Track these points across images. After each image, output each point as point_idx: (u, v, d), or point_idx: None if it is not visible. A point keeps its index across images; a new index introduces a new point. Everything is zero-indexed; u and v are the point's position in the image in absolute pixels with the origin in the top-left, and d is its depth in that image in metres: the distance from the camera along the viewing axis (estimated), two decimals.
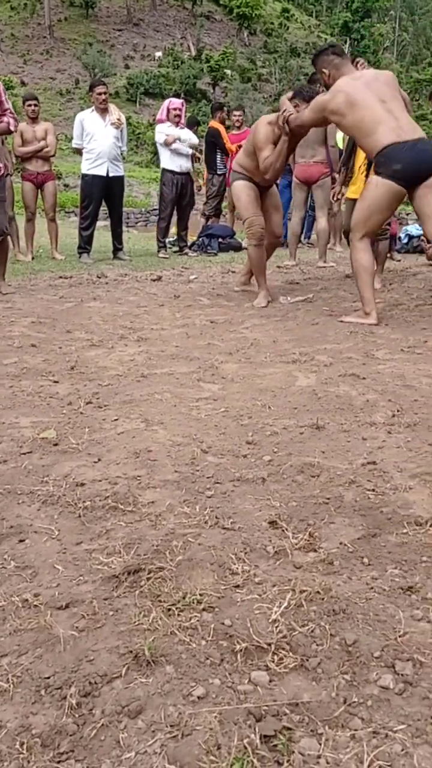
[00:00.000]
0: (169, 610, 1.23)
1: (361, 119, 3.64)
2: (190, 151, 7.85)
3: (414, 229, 8.52)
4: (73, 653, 1.13)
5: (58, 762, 0.93)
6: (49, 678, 1.08)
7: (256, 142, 4.36)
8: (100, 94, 7.01)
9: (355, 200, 5.69)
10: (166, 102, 7.90)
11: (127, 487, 1.73)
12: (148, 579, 1.33)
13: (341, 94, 3.69)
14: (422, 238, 7.93)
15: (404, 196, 3.72)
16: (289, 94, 4.47)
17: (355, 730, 0.96)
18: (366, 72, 4.00)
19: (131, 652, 1.12)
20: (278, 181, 5.95)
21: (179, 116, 7.80)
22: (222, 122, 8.91)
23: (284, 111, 4.20)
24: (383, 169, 3.62)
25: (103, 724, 0.99)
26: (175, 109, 7.76)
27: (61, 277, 5.90)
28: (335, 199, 6.40)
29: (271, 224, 4.79)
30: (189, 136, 7.86)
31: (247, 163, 4.54)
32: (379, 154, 3.62)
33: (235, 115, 9.15)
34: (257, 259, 4.65)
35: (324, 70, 3.89)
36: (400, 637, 1.14)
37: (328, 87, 3.89)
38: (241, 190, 4.60)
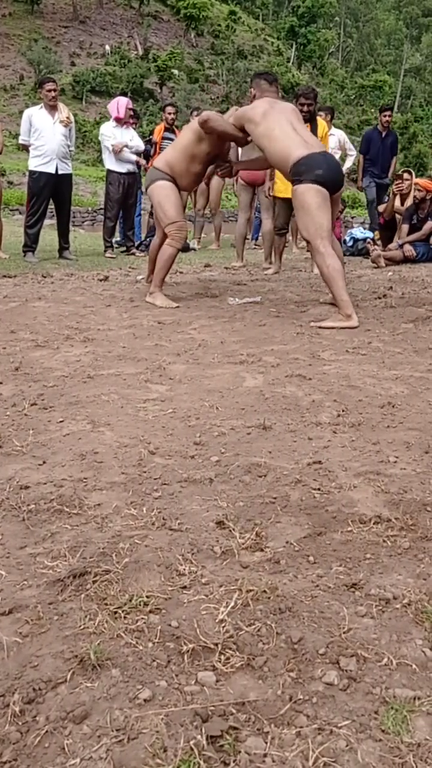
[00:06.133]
0: (116, 612, 1.22)
1: (272, 130, 3.94)
2: (134, 158, 7.83)
3: (359, 232, 8.68)
4: (17, 659, 1.11)
5: None
6: None
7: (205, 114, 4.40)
8: (49, 91, 6.92)
9: (284, 199, 5.85)
10: (124, 101, 7.84)
11: (72, 490, 1.71)
12: (94, 582, 1.31)
13: (260, 107, 4.05)
14: (367, 241, 8.09)
15: (329, 198, 3.87)
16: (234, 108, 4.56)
17: (301, 727, 0.96)
18: (278, 102, 4.26)
19: (76, 656, 1.10)
20: None
21: (132, 116, 7.81)
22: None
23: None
24: (306, 175, 3.80)
25: (47, 731, 0.97)
26: (130, 109, 7.74)
27: (4, 276, 5.79)
28: (268, 195, 6.46)
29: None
30: (137, 143, 7.82)
31: (177, 158, 4.46)
32: (297, 163, 3.82)
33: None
34: (170, 261, 4.57)
35: (252, 90, 4.33)
36: (344, 633, 1.15)
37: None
38: (168, 193, 4.51)
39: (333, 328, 3.66)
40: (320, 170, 3.80)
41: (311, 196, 3.80)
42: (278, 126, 3.95)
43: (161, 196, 4.51)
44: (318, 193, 3.80)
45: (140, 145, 7.93)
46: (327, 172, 3.83)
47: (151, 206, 9.40)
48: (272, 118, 3.98)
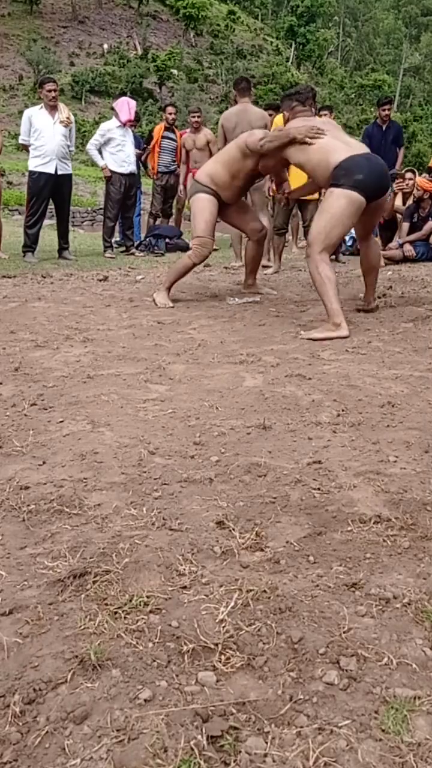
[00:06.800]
0: (116, 613, 1.22)
1: (322, 145, 3.74)
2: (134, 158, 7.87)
3: None
4: (17, 660, 1.11)
5: None
6: None
7: (251, 133, 4.26)
8: (50, 91, 6.92)
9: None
10: (133, 103, 7.83)
11: (72, 490, 1.71)
12: (94, 582, 1.31)
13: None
14: None
15: (363, 208, 3.65)
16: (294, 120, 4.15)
17: (301, 727, 0.96)
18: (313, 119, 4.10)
19: (77, 656, 1.10)
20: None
21: (136, 117, 7.83)
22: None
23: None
24: (345, 179, 3.59)
25: (47, 732, 0.97)
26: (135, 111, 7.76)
27: (4, 277, 5.79)
28: (269, 195, 6.45)
29: (249, 224, 4.76)
30: (130, 151, 7.79)
31: (219, 172, 4.38)
32: (338, 167, 3.62)
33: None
34: (184, 271, 4.56)
35: (285, 111, 4.15)
36: (344, 633, 1.15)
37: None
38: (204, 205, 4.44)
39: (323, 339, 3.48)
40: (360, 174, 3.58)
41: (340, 204, 3.59)
42: (326, 138, 3.76)
43: (197, 208, 4.51)
44: (350, 204, 3.58)
45: (132, 155, 7.89)
46: (368, 176, 3.61)
47: (150, 207, 9.40)
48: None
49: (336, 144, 3.74)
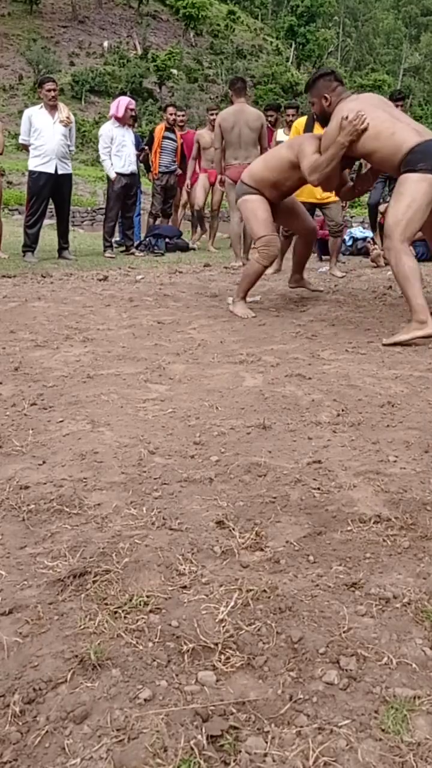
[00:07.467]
0: (116, 612, 1.22)
1: (376, 125, 3.46)
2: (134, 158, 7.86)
3: (358, 231, 8.67)
4: (17, 659, 1.11)
5: None
6: None
7: (303, 149, 3.91)
8: (49, 90, 6.93)
9: (302, 202, 5.73)
10: (125, 100, 7.83)
11: (72, 490, 1.71)
12: (94, 582, 1.31)
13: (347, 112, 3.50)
14: (367, 240, 8.08)
15: None
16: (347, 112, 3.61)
17: (301, 726, 0.96)
18: (359, 95, 3.81)
19: (77, 656, 1.10)
20: None
21: (133, 117, 7.81)
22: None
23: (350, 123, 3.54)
24: (424, 164, 3.30)
25: (47, 731, 0.97)
26: (131, 109, 7.74)
27: (4, 276, 5.79)
28: None
29: (299, 223, 4.60)
30: (131, 150, 7.78)
31: (266, 178, 4.17)
32: (411, 151, 3.35)
33: (178, 115, 9.06)
34: (255, 277, 4.34)
35: (326, 95, 3.71)
36: (344, 632, 1.15)
37: (325, 114, 3.75)
38: (255, 206, 4.23)
39: (411, 340, 3.21)
40: None
41: (420, 189, 3.28)
42: (379, 122, 3.46)
43: (248, 211, 4.30)
44: (430, 190, 3.30)
45: (132, 155, 7.88)
46: None
47: (150, 207, 9.41)
48: (370, 114, 3.46)
49: (402, 127, 3.45)
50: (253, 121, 6.44)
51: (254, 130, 6.46)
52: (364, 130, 3.48)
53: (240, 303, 4.31)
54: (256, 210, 4.23)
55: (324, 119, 3.81)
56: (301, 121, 6.16)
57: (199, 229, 9.68)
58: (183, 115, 9.12)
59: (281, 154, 4.15)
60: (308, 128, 5.72)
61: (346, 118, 3.49)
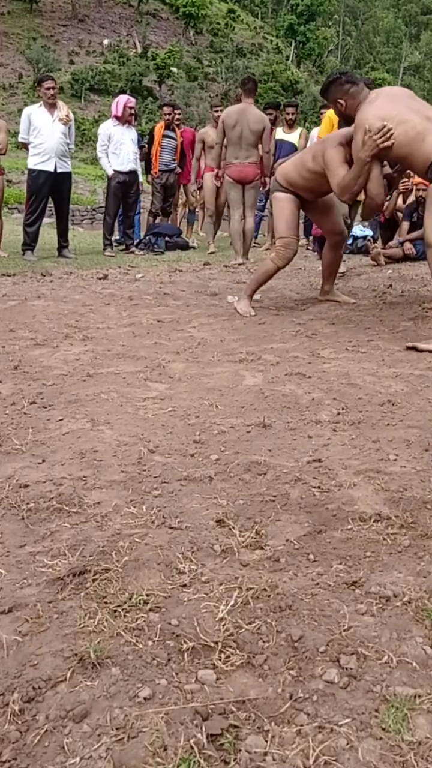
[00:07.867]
0: (115, 611, 1.22)
1: (407, 131, 3.32)
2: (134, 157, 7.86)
3: (358, 230, 8.66)
4: (16, 658, 1.11)
5: None
6: None
7: (329, 163, 3.77)
8: (48, 89, 6.92)
9: None
10: (123, 99, 7.82)
11: (72, 488, 1.71)
12: (94, 580, 1.31)
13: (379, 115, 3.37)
14: (367, 239, 8.07)
15: None
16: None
17: (301, 725, 0.96)
18: (381, 90, 3.66)
19: (76, 655, 1.10)
20: None
21: (133, 115, 7.80)
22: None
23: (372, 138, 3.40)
24: None
25: (47, 730, 0.97)
26: (131, 107, 7.73)
27: (3, 275, 5.78)
28: None
29: (328, 225, 4.47)
30: (130, 149, 7.77)
31: (299, 180, 4.07)
32: None
33: (175, 113, 9.04)
34: (267, 276, 4.31)
35: (340, 100, 3.59)
36: (344, 631, 1.15)
37: (345, 117, 3.65)
38: (284, 205, 4.16)
39: None
40: None
41: None
42: (410, 127, 3.30)
43: (276, 209, 4.26)
44: None
45: (130, 153, 7.87)
46: None
47: (150, 205, 9.39)
48: (396, 119, 3.32)
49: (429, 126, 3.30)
50: (254, 123, 6.45)
51: (255, 132, 6.48)
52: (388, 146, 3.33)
53: (245, 301, 4.30)
54: (284, 209, 4.19)
55: (346, 121, 3.71)
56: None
57: (195, 224, 9.70)
58: (179, 113, 9.11)
59: (308, 165, 4.00)
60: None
61: (369, 131, 3.37)
